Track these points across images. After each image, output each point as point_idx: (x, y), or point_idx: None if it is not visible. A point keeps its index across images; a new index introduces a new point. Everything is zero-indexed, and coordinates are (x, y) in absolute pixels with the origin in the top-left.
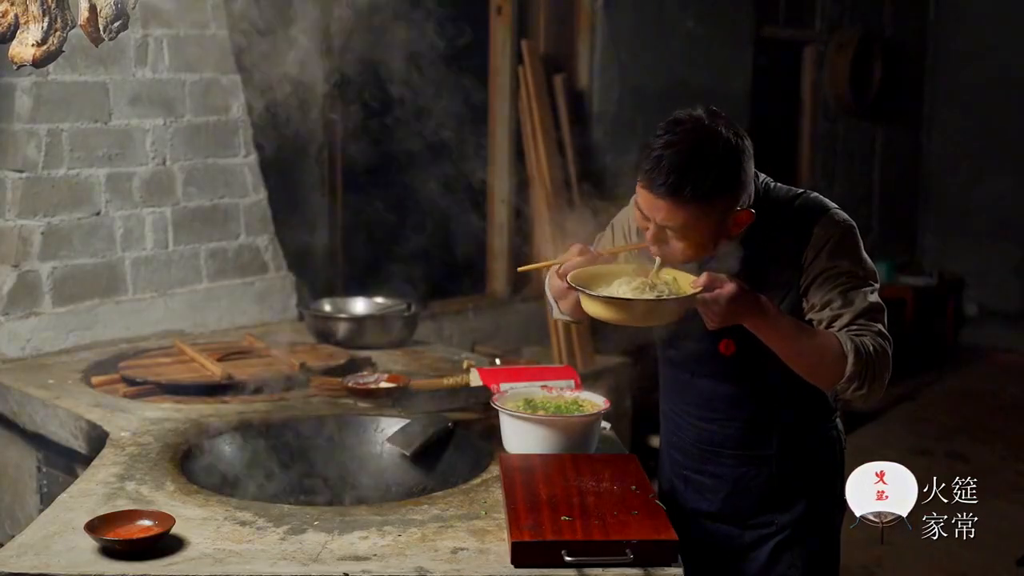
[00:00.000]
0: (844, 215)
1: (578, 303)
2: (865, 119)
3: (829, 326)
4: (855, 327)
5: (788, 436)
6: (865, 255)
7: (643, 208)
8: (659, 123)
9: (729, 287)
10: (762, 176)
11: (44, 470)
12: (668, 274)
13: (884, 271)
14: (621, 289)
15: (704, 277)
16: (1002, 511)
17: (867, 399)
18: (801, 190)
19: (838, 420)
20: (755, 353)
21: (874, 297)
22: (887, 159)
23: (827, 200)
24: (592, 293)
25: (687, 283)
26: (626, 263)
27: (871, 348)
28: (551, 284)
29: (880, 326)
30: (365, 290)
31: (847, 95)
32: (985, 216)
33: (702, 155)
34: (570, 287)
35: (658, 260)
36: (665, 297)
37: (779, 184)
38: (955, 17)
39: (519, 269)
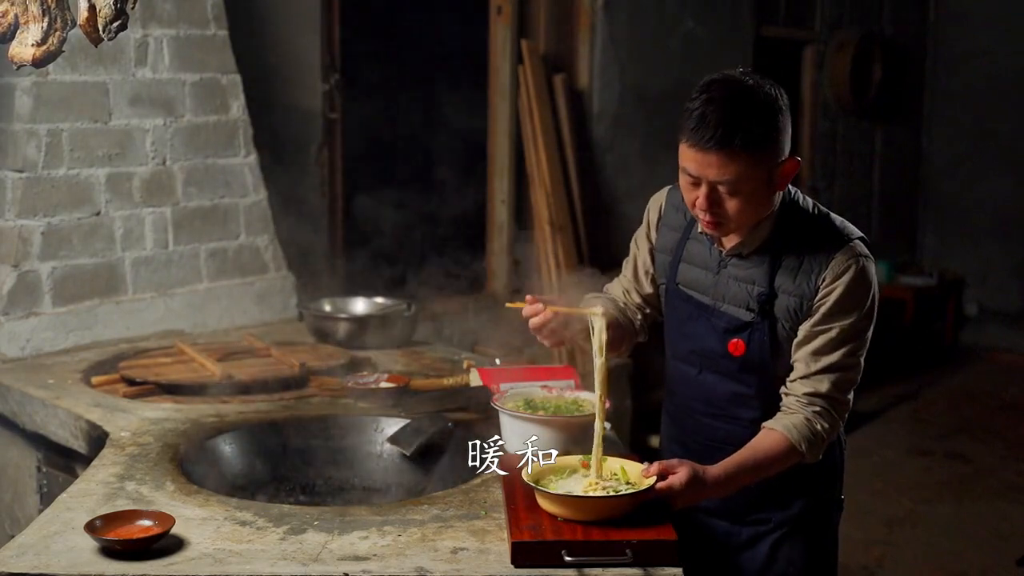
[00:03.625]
0: (866, 249)
1: (554, 331)
2: (865, 119)
3: (793, 364)
4: (811, 385)
5: None
6: (874, 291)
7: (692, 170)
8: (694, 88)
9: (682, 473)
10: (792, 188)
11: (44, 470)
12: (615, 463)
13: (884, 271)
14: (571, 484)
15: (655, 466)
16: (1002, 511)
17: None
18: (827, 211)
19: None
20: (763, 355)
21: (854, 358)
22: (887, 159)
23: (852, 226)
24: (548, 492)
25: (635, 472)
26: (572, 456)
27: (819, 429)
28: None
29: (843, 393)
30: (365, 290)
31: (847, 95)
32: (985, 216)
33: (745, 105)
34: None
35: (603, 458)
36: (622, 492)
37: (807, 198)
38: (955, 17)
39: (507, 305)
